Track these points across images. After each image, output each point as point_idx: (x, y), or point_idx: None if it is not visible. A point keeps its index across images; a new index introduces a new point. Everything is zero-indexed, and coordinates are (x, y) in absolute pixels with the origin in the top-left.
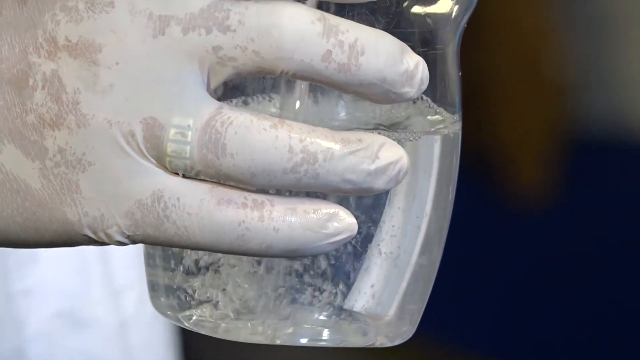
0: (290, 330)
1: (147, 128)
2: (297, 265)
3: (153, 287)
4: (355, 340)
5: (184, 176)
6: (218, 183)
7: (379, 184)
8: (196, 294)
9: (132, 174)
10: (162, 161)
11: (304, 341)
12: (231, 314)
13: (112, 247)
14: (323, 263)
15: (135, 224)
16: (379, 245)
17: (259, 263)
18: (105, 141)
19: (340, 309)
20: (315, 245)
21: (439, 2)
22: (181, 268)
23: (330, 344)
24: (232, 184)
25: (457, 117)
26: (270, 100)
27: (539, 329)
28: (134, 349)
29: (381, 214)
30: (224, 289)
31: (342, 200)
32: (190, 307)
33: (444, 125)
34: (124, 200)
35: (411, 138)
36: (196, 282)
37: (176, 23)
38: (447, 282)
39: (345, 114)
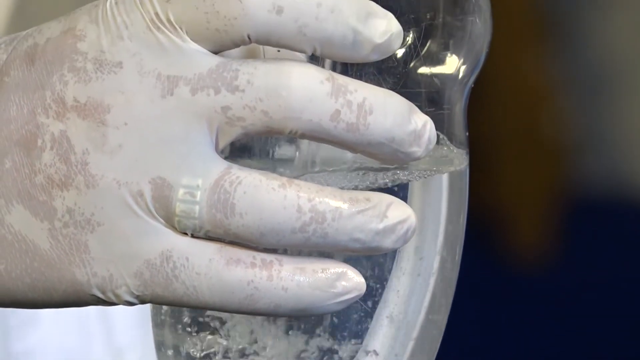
0: None
1: (155, 188)
2: (303, 324)
3: (160, 348)
4: None
5: (192, 236)
6: (227, 242)
7: (388, 243)
8: (204, 354)
9: (141, 234)
10: (171, 221)
11: None
12: None
13: (113, 307)
14: (329, 322)
15: (144, 283)
16: (385, 305)
17: (269, 322)
18: (114, 201)
19: None
20: (324, 305)
21: (446, 62)
22: (189, 328)
23: None
24: (240, 242)
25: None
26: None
27: None
28: None
29: (389, 273)
30: (232, 348)
31: (350, 259)
32: None
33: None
34: (132, 261)
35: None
36: (205, 341)
37: (185, 83)
38: (447, 340)
39: (353, 155)
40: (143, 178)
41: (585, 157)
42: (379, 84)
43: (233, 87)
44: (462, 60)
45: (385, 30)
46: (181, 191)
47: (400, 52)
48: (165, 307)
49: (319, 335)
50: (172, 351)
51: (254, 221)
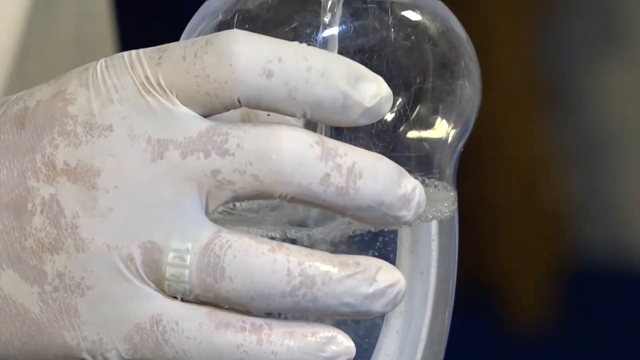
0: None
1: (145, 252)
2: None
3: None
4: None
5: (182, 299)
6: (216, 306)
7: (377, 307)
8: None
9: (130, 298)
10: (161, 285)
11: None
12: None
13: None
14: None
15: (134, 347)
16: None
17: None
18: (104, 265)
19: None
20: None
21: (435, 126)
22: None
23: None
24: (230, 306)
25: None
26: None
27: None
28: None
29: (377, 337)
30: None
31: (340, 323)
32: None
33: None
34: (122, 325)
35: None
36: None
37: (175, 147)
38: None
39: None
40: (133, 242)
41: (585, 222)
42: (369, 148)
43: (223, 151)
44: (451, 124)
45: (375, 94)
46: (171, 255)
47: (390, 116)
48: None
49: None
50: None
51: (243, 285)
